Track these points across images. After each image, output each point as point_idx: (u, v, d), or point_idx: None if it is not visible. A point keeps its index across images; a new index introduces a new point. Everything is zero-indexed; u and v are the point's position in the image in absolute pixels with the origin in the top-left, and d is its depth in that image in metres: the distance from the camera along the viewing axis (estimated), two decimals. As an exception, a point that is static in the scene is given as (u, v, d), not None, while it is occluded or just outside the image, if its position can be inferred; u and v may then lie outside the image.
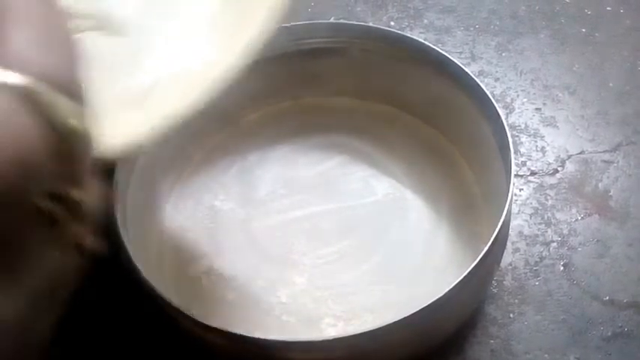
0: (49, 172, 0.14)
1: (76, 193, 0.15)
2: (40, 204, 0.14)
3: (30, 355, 0.16)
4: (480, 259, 0.36)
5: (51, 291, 0.15)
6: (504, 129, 0.41)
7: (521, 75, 0.57)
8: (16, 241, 0.14)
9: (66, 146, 0.15)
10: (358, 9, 0.62)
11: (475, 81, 0.44)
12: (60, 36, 0.15)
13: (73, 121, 0.15)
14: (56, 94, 0.14)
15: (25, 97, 0.13)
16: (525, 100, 0.56)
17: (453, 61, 0.45)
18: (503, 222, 0.38)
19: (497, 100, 0.55)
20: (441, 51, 0.46)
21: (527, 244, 0.48)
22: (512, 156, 0.40)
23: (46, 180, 0.14)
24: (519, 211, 0.49)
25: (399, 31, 0.49)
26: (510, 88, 0.57)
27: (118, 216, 0.38)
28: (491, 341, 0.44)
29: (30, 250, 0.14)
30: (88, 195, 0.16)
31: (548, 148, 0.53)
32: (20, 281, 0.14)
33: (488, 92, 0.43)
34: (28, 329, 0.15)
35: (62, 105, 0.14)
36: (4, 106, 0.13)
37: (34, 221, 0.14)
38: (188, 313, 0.35)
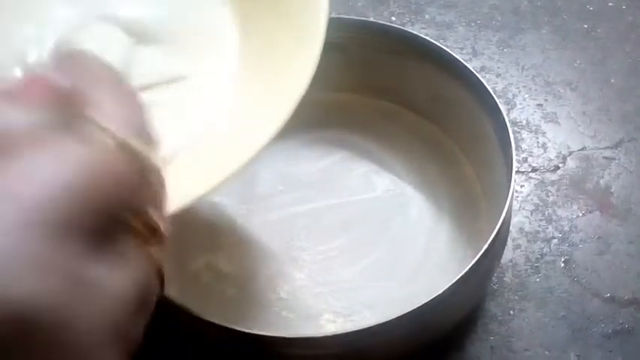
0: (137, 197, 0.19)
1: (156, 218, 0.20)
2: (130, 220, 0.19)
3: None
4: (481, 256, 0.36)
5: (138, 307, 0.19)
6: (505, 125, 0.41)
7: (522, 71, 0.57)
8: (115, 238, 0.19)
9: (148, 178, 0.20)
10: (359, 4, 0.62)
11: (476, 77, 0.44)
12: (129, 93, 0.22)
13: (152, 158, 0.20)
14: (139, 140, 0.20)
15: (120, 144, 0.19)
16: (527, 96, 0.56)
17: (455, 57, 0.45)
18: (504, 218, 0.38)
19: (498, 96, 0.55)
20: (442, 47, 0.45)
21: (528, 241, 0.47)
22: (514, 152, 0.40)
23: (135, 203, 0.19)
24: (520, 207, 0.49)
25: (400, 27, 0.48)
26: (512, 84, 0.57)
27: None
28: (492, 338, 0.43)
29: (123, 247, 0.19)
30: (165, 224, 0.21)
31: (549, 145, 0.53)
32: (122, 269, 0.19)
33: (489, 88, 0.43)
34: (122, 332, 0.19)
35: (142, 147, 0.20)
36: (107, 148, 0.19)
37: (125, 230, 0.19)
38: (187, 308, 0.35)
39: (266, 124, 0.31)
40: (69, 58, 0.22)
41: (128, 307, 0.18)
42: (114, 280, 0.18)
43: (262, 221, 0.46)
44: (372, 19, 0.56)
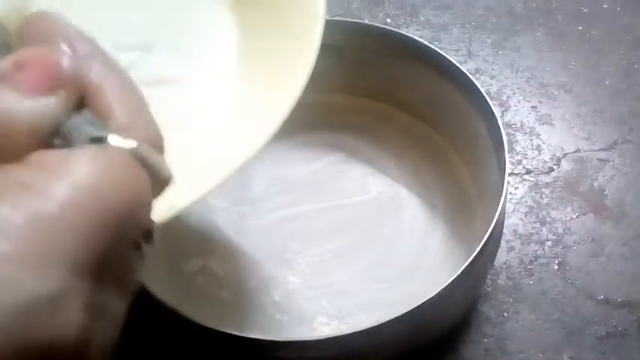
0: (148, 212, 0.18)
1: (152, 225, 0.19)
2: (137, 238, 0.18)
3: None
4: (474, 258, 0.36)
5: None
6: (499, 127, 0.41)
7: (517, 73, 0.57)
8: (124, 263, 0.18)
9: (158, 190, 0.19)
10: (354, 6, 0.62)
11: (470, 79, 0.44)
12: (139, 98, 0.19)
13: (164, 169, 0.19)
14: (151, 150, 0.18)
15: (136, 155, 0.18)
16: (521, 98, 0.56)
17: (449, 59, 0.45)
18: (497, 220, 0.38)
19: (492, 98, 0.55)
20: (436, 49, 0.45)
21: (522, 243, 0.47)
22: (507, 154, 0.40)
23: (145, 219, 0.18)
24: (514, 209, 0.49)
25: (395, 29, 0.48)
26: (506, 85, 0.57)
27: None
28: (485, 340, 0.43)
29: (131, 271, 0.18)
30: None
31: (543, 147, 0.53)
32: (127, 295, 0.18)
33: (483, 90, 0.43)
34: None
35: (157, 158, 0.18)
36: (126, 162, 0.17)
37: (133, 250, 0.18)
38: (181, 311, 0.35)
39: (258, 130, 0.31)
40: (37, 24, 0.18)
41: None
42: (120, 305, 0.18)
43: (256, 224, 0.46)
44: (367, 21, 0.56)
